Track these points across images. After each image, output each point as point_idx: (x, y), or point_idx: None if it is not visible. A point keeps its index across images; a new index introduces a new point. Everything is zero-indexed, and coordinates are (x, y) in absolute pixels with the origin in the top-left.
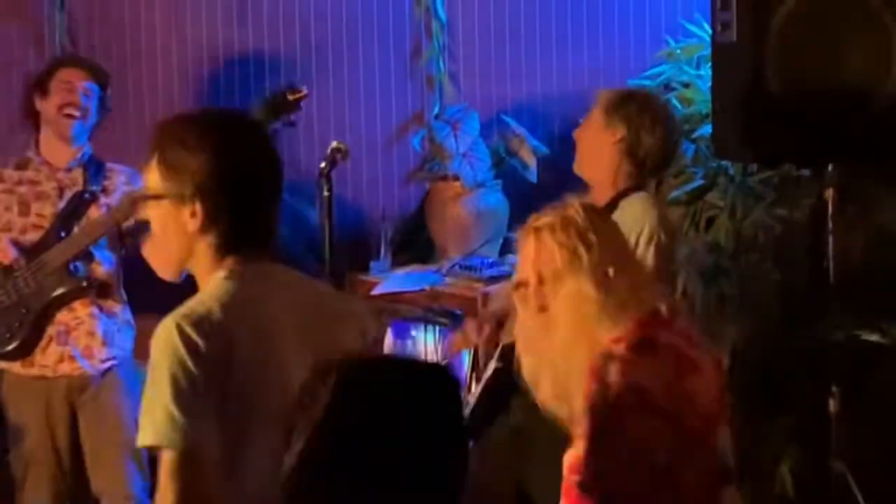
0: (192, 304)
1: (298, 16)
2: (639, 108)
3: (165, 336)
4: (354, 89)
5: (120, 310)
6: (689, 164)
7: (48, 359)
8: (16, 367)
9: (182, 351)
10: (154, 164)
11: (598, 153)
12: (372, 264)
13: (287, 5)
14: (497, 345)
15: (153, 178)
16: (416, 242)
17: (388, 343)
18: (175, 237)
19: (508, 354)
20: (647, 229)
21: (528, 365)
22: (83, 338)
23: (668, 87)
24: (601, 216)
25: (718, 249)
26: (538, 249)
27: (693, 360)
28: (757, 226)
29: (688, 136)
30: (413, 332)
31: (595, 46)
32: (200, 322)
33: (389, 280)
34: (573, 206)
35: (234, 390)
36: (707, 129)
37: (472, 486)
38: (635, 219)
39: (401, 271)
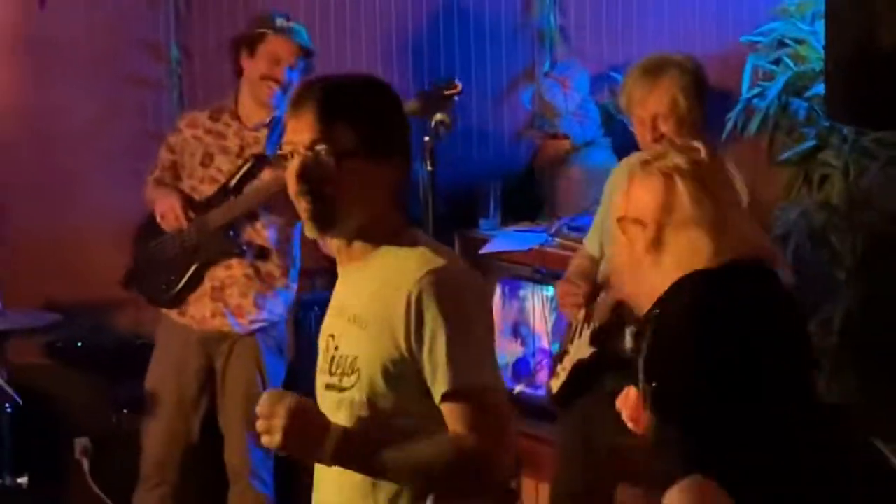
0: (448, 256)
1: None
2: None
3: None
4: (465, 42)
5: (279, 273)
6: (801, 123)
7: (200, 311)
8: (173, 313)
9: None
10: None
11: None
12: (481, 221)
13: None
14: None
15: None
16: (525, 200)
17: (497, 302)
18: (373, 193)
19: (602, 338)
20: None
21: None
22: (236, 297)
23: (781, 43)
24: (723, 165)
25: (830, 208)
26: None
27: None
28: (871, 185)
29: (801, 94)
30: (522, 292)
31: (708, 2)
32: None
33: (498, 238)
34: (699, 151)
35: None
36: (820, 88)
37: (563, 452)
38: None
39: (509, 229)
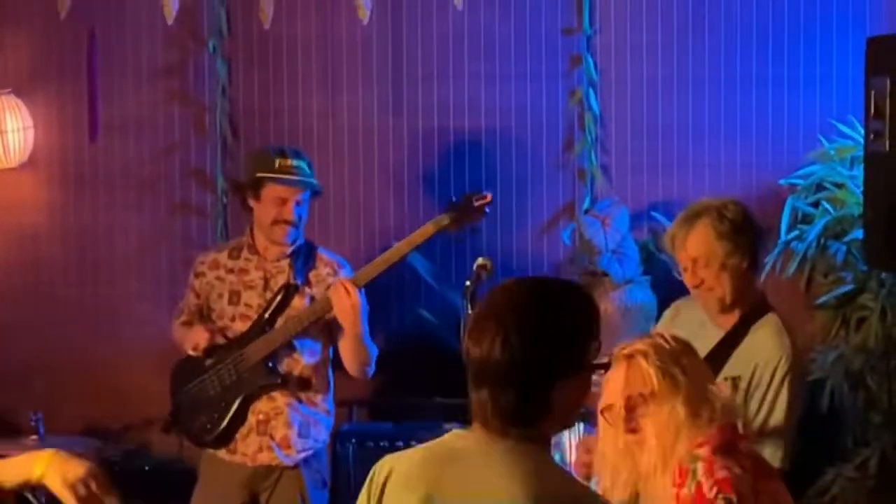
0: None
1: (452, 106)
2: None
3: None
4: (507, 179)
5: (320, 399)
6: (839, 266)
7: (248, 447)
8: (221, 451)
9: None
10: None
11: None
12: None
13: (441, 95)
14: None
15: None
16: None
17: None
18: None
19: None
20: (784, 364)
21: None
22: (280, 428)
23: (820, 187)
24: (685, 342)
25: (867, 351)
26: (630, 374)
27: (770, 467)
28: None
29: (839, 237)
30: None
31: (748, 141)
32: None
33: None
34: (660, 335)
35: None
36: (858, 233)
37: None
38: (769, 349)
39: None
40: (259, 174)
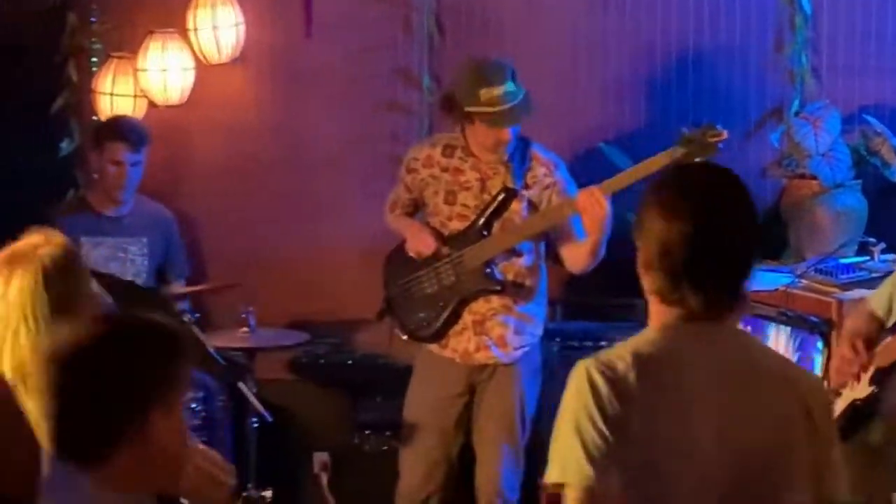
0: (612, 349)
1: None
2: None
3: (577, 376)
4: (715, 77)
5: (535, 297)
6: None
7: (462, 344)
8: (434, 346)
9: (587, 394)
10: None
11: None
12: None
13: None
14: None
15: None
16: (769, 239)
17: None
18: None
19: (881, 378)
20: None
21: None
22: (497, 328)
23: None
24: None
25: None
26: None
27: None
28: None
29: None
30: (765, 332)
31: None
32: (608, 368)
33: None
34: None
35: (636, 443)
36: None
37: None
38: None
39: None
40: (467, 108)
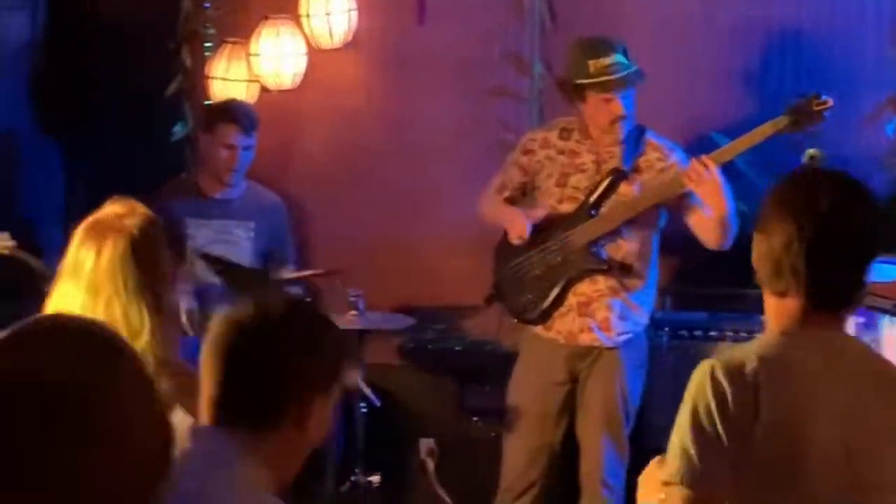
0: (737, 350)
1: None
2: None
3: (699, 376)
4: (829, 65)
5: (642, 284)
6: None
7: (567, 326)
8: (538, 328)
9: (709, 395)
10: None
11: None
12: None
13: None
14: None
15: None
16: (885, 231)
17: (852, 331)
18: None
19: None
20: None
21: None
22: (601, 310)
23: None
24: None
25: None
26: None
27: None
28: None
29: None
30: (878, 324)
31: None
32: (733, 370)
33: None
34: None
35: (756, 447)
36: None
37: None
38: None
39: None
40: (577, 81)
